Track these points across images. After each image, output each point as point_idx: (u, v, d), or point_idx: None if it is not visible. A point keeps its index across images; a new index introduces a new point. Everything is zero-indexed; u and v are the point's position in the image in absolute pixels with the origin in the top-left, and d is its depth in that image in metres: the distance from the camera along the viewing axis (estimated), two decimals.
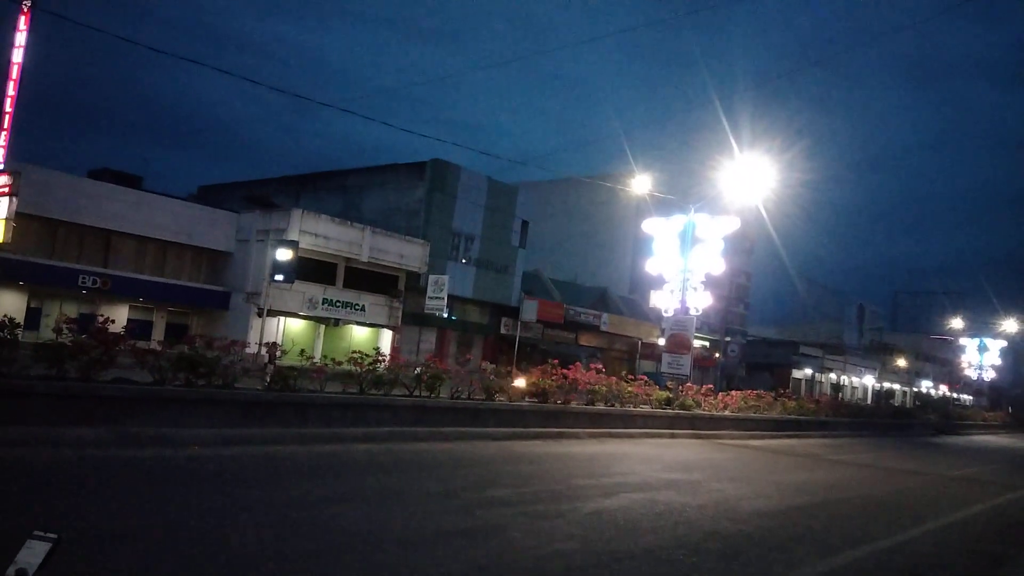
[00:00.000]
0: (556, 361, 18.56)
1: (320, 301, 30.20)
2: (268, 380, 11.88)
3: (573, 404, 17.63)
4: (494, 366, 17.55)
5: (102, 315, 13.03)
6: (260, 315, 27.32)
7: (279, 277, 24.94)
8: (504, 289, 37.50)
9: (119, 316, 26.55)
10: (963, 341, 61.25)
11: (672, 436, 19.63)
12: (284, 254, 24.72)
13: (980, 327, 62.76)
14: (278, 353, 12.71)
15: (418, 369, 14.86)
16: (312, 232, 29.18)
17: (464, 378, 15.60)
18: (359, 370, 13.29)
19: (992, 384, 70.60)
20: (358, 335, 32.44)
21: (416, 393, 14.14)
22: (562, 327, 40.28)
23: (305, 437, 11.35)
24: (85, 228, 27.15)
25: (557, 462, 12.51)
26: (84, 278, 26.43)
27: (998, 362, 62.36)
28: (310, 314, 30.31)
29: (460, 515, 7.48)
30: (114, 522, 5.93)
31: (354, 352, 13.74)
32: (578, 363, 19.91)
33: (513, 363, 28.04)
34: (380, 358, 14.08)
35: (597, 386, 18.66)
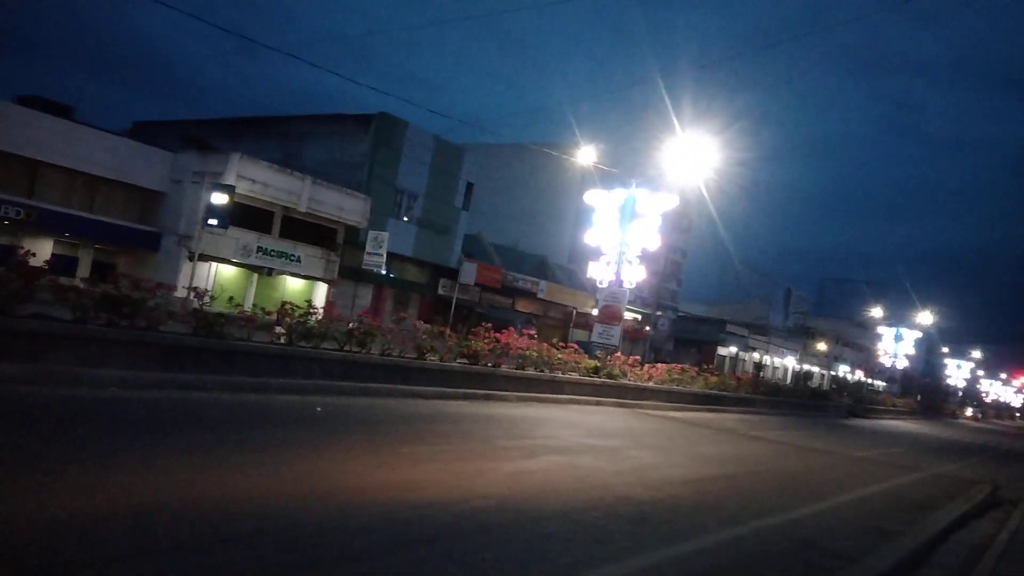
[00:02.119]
0: (490, 324, 18.74)
1: (254, 249, 29.61)
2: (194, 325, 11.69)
3: (503, 367, 17.85)
4: (428, 326, 17.61)
5: (23, 248, 12.58)
6: (191, 259, 26.67)
7: (213, 221, 24.37)
8: (444, 250, 37.40)
9: (42, 250, 25.55)
10: (881, 329, 63.93)
11: (597, 404, 20.08)
12: (220, 198, 24.13)
13: (898, 317, 65.60)
14: (207, 299, 12.49)
15: (351, 324, 14.81)
16: (250, 178, 28.48)
17: (397, 336, 15.61)
18: (289, 321, 13.20)
19: (905, 372, 74.03)
20: (292, 286, 31.98)
21: (346, 348, 14.10)
22: (500, 291, 40.49)
23: (230, 385, 11.24)
24: (10, 156, 25.89)
25: (482, 423, 12.70)
26: (7, 208, 25.28)
27: (912, 352, 65.38)
28: (243, 262, 29.72)
29: (379, 470, 7.58)
30: (18, 458, 5.83)
31: (286, 303, 13.62)
32: (512, 328, 20.11)
33: (448, 324, 28.13)
34: (312, 310, 14.02)
35: (528, 351, 18.91)
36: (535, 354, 19.14)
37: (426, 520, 5.98)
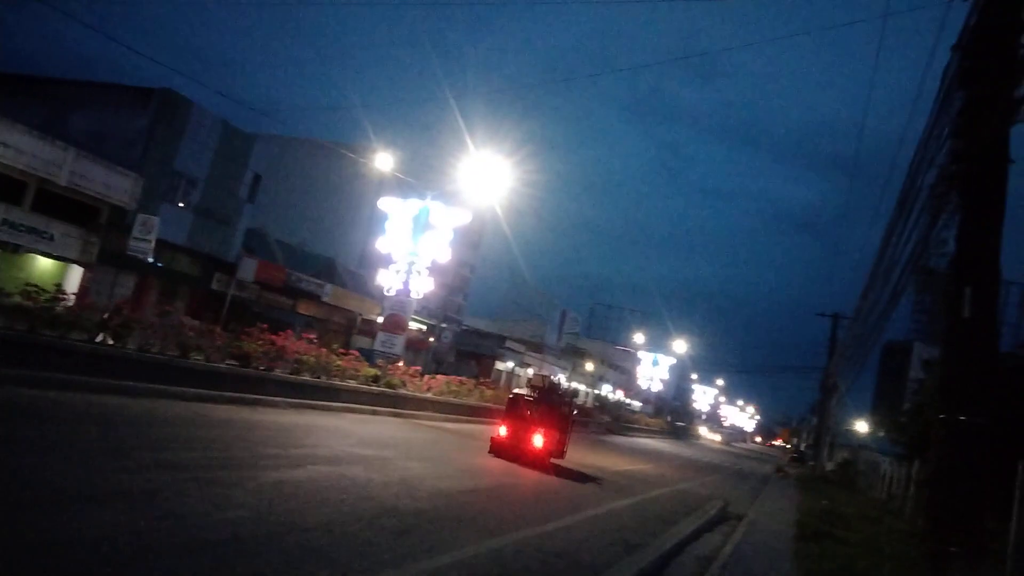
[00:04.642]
0: (266, 325, 17.96)
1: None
2: None
3: (277, 372, 17.15)
4: (197, 322, 16.53)
5: None
6: None
7: None
8: (223, 242, 35.28)
9: None
10: (641, 354, 69.36)
11: (374, 413, 19.89)
12: None
13: (657, 344, 71.57)
14: None
15: (106, 314, 13.53)
16: (1, 141, 25.16)
17: (159, 330, 14.47)
18: (33, 306, 11.81)
19: (658, 395, 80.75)
20: (42, 267, 28.58)
21: (99, 340, 12.86)
22: (281, 291, 38.88)
23: None
24: None
25: (248, 429, 12.10)
26: None
27: (666, 376, 71.52)
28: None
29: (127, 475, 6.97)
30: None
31: (29, 285, 12.19)
32: (290, 330, 19.41)
33: (221, 322, 26.55)
34: (61, 295, 12.66)
35: (306, 356, 18.33)
36: (313, 359, 18.59)
37: (174, 532, 5.59)
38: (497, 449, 16.29)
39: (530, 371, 66.83)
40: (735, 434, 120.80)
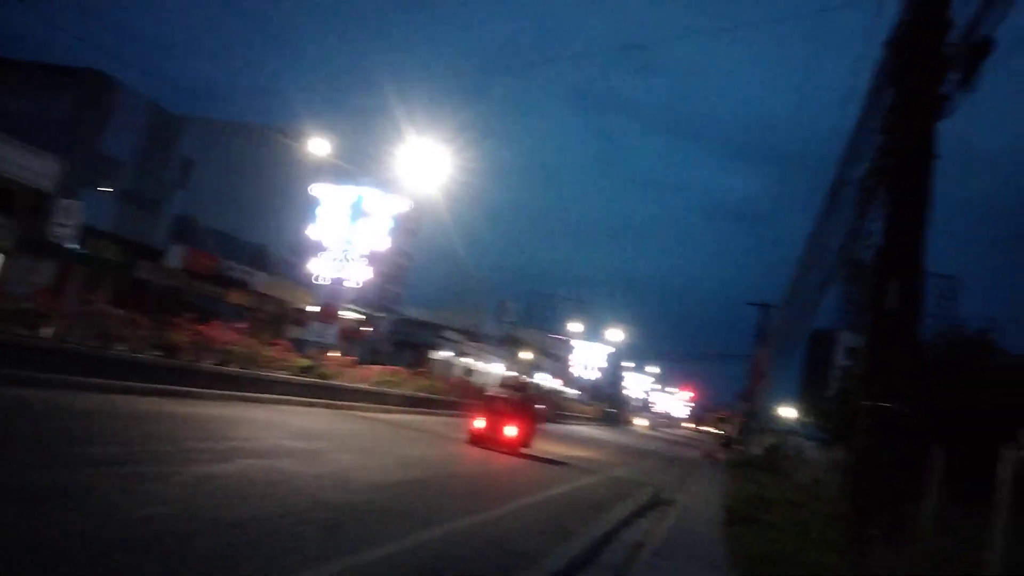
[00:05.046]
0: (195, 315, 17.44)
1: None
2: None
3: (204, 363, 16.64)
4: (121, 312, 15.92)
5: None
6: None
7: None
8: (150, 229, 34.13)
9: None
10: (576, 343, 70.09)
11: (307, 404, 19.51)
12: None
13: (593, 333, 72.42)
14: None
15: (23, 303, 12.91)
16: None
17: (80, 320, 13.87)
18: None
19: (594, 383, 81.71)
20: None
21: (15, 330, 12.25)
22: (211, 280, 37.83)
23: None
24: None
25: (173, 422, 11.70)
26: None
27: (604, 365, 72.46)
28: None
29: (41, 472, 6.64)
30: None
31: None
32: (218, 320, 18.89)
33: (148, 312, 25.66)
34: None
35: (234, 346, 17.85)
36: (241, 350, 18.12)
37: (92, 532, 5.32)
38: (476, 439, 18.30)
39: (465, 360, 66.85)
40: (663, 420, 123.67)
